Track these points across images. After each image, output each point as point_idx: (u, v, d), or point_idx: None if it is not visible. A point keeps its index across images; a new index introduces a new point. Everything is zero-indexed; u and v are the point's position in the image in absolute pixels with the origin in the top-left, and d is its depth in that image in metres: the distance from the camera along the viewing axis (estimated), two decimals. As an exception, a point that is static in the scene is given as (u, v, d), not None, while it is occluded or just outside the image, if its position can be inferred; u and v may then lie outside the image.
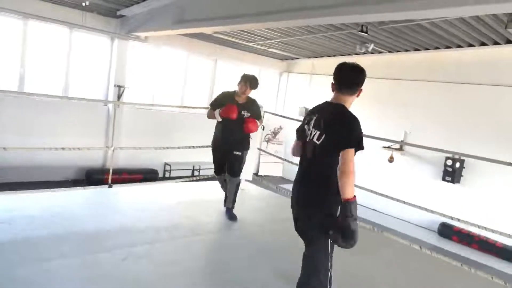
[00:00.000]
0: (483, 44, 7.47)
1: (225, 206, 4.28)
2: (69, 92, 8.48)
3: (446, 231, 8.68)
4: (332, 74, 2.34)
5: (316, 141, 2.19)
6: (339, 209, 2.04)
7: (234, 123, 3.98)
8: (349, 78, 2.29)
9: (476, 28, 6.57)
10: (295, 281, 2.33)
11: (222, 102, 4.08)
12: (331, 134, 2.15)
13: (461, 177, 8.62)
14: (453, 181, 8.63)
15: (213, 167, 4.30)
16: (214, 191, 4.84)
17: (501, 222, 6.41)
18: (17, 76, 7.84)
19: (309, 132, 2.26)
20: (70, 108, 8.40)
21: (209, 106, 4.23)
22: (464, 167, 8.60)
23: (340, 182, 2.01)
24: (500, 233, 4.03)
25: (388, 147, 9.41)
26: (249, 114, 4.06)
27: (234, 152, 4.07)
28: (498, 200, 7.91)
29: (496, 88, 8.02)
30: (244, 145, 4.19)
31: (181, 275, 2.91)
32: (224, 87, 11.67)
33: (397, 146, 9.35)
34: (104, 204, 4.33)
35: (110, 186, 4.48)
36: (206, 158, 10.05)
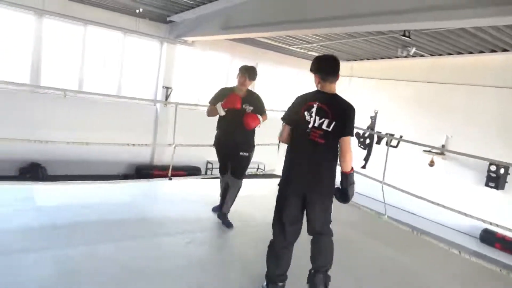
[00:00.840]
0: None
1: (220, 211, 3.91)
2: (121, 92, 9.14)
3: (489, 237, 8.52)
4: (318, 70, 2.70)
5: (327, 128, 2.56)
6: (340, 180, 2.63)
7: (238, 120, 3.66)
8: (332, 68, 2.68)
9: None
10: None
11: (219, 97, 3.80)
12: (341, 122, 2.56)
13: (506, 184, 8.44)
14: (496, 187, 8.45)
15: (219, 166, 4.00)
16: (260, 187, 5.15)
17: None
18: (76, 77, 8.57)
19: (312, 119, 2.59)
20: (123, 107, 9.04)
21: (208, 104, 3.91)
22: (509, 173, 8.42)
23: (345, 159, 2.57)
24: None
25: (429, 151, 9.36)
26: (251, 108, 3.73)
27: (241, 153, 3.77)
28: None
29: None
30: (251, 144, 3.88)
31: (237, 260, 3.27)
32: (263, 90, 12.02)
33: (438, 150, 9.28)
34: (166, 194, 4.78)
35: (170, 179, 4.92)
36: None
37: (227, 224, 3.84)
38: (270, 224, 2.72)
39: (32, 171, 8.12)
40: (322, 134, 2.56)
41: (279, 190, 2.69)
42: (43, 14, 7.79)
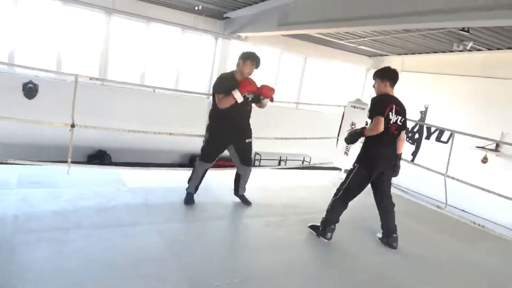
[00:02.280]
0: None
1: (240, 193, 4.16)
2: (178, 86, 9.66)
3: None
4: (390, 78, 3.56)
5: (400, 123, 3.52)
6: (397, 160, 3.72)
7: (241, 108, 3.74)
8: (397, 77, 3.62)
9: None
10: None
11: (228, 85, 3.70)
12: (405, 118, 3.58)
13: None
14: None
15: (209, 154, 3.87)
16: (318, 177, 5.42)
17: None
18: (138, 72, 9.16)
19: (393, 117, 3.45)
20: (179, 100, 9.55)
21: (219, 94, 3.70)
22: None
23: (401, 145, 3.71)
24: None
25: (482, 147, 9.21)
26: (251, 96, 3.81)
27: (247, 140, 3.89)
28: None
29: None
30: (251, 130, 4.01)
31: (307, 240, 3.61)
32: (312, 84, 12.12)
33: (492, 146, 9.12)
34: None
35: None
36: (291, 149, 10.81)
37: (247, 202, 4.17)
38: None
39: (99, 158, 8.83)
40: (396, 127, 3.50)
41: (365, 168, 3.50)
42: (112, 12, 8.38)
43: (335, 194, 3.62)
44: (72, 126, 4.11)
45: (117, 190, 4.04)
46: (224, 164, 7.20)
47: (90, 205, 3.57)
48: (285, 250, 3.31)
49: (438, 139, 10.52)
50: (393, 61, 11.79)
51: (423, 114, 10.87)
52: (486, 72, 9.37)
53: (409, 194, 5.80)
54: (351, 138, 3.62)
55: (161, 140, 9.19)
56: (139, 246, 2.96)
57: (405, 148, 10.93)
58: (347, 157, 5.69)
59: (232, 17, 9.08)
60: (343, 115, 5.82)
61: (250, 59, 3.82)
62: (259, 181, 5.34)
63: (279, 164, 11.45)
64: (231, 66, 10.03)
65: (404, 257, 3.52)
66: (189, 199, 3.95)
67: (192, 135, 5.39)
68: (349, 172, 3.63)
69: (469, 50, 8.90)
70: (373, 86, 3.67)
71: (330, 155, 12.15)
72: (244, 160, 3.96)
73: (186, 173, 5.28)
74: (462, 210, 8.80)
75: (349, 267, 3.19)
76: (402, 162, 3.91)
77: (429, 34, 8.33)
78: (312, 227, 3.76)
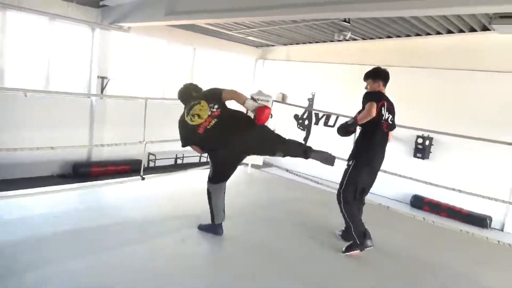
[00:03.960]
0: (449, 32, 8.24)
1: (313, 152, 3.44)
2: (50, 85, 8.28)
3: (418, 202, 9.59)
4: (383, 78, 3.52)
5: (390, 122, 3.47)
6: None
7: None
8: (388, 78, 3.57)
9: (447, 19, 7.26)
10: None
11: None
12: (394, 117, 3.56)
13: (430, 154, 9.51)
14: (423, 157, 9.52)
15: (217, 177, 3.35)
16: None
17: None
18: (-4, 70, 7.55)
19: (385, 114, 3.40)
20: (52, 100, 8.19)
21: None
22: (433, 144, 9.49)
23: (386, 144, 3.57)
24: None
25: (364, 129, 10.09)
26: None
27: (251, 137, 3.22)
28: (461, 172, 8.83)
29: (460, 72, 8.88)
30: (245, 125, 3.40)
31: (235, 251, 3.30)
32: (203, 75, 11.72)
33: (372, 127, 10.06)
34: (144, 195, 4.46)
35: (143, 179, 4.64)
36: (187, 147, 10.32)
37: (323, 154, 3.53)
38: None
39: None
40: (387, 125, 3.43)
41: (368, 165, 3.40)
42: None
43: (340, 201, 3.40)
44: None
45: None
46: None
47: None
48: (215, 270, 2.93)
49: (325, 124, 11.21)
50: (279, 51, 12.15)
51: (311, 101, 11.46)
52: (363, 59, 10.23)
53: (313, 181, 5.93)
54: (345, 130, 3.51)
55: (36, 151, 7.78)
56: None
57: (298, 134, 11.54)
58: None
59: (110, 5, 8.10)
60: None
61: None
62: (162, 188, 4.84)
63: (176, 162, 10.89)
64: (113, 60, 9.03)
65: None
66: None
67: (75, 146, 4.56)
68: (345, 171, 3.45)
69: (347, 40, 9.59)
70: (366, 88, 3.54)
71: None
72: (282, 148, 3.36)
73: (89, 190, 4.51)
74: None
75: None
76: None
77: (314, 25, 8.70)
78: (349, 249, 3.40)
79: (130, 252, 3.03)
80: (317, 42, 10.73)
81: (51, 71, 8.24)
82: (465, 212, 8.75)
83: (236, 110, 3.37)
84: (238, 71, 12.25)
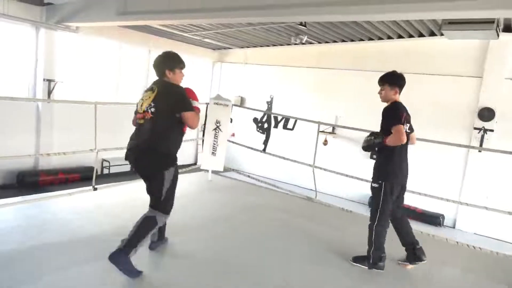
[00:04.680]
0: (400, 37, 8.56)
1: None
2: (-11, 89, 7.62)
3: (375, 202, 9.83)
4: (400, 85, 3.48)
5: (408, 131, 3.36)
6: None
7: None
8: (405, 83, 3.52)
9: (398, 25, 7.53)
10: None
11: None
12: (410, 120, 3.49)
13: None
14: (379, 158, 9.78)
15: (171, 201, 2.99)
16: (185, 181, 4.94)
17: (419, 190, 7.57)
18: None
19: (405, 127, 3.28)
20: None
21: (192, 112, 2.93)
22: (387, 145, 9.78)
23: None
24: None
25: (322, 131, 10.23)
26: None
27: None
28: (414, 172, 9.17)
29: (410, 76, 9.21)
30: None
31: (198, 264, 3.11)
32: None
33: (330, 130, 10.23)
34: (96, 207, 4.14)
35: (95, 189, 4.32)
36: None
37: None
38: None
39: None
40: (406, 135, 3.25)
41: (394, 182, 3.29)
42: None
43: (372, 219, 3.33)
44: None
45: None
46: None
47: None
48: None
49: (285, 126, 11.26)
50: (236, 54, 12.05)
51: (269, 104, 11.46)
52: (319, 63, 10.39)
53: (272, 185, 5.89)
54: (370, 147, 3.38)
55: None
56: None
57: (257, 138, 11.50)
58: (215, 158, 5.38)
59: (56, 3, 7.59)
60: (206, 113, 5.46)
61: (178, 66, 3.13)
62: (116, 198, 4.56)
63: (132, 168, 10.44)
64: (60, 62, 8.47)
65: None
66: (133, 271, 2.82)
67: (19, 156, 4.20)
68: (376, 192, 3.32)
69: (303, 44, 9.68)
70: (380, 92, 3.43)
71: (187, 154, 11.83)
72: (153, 200, 2.99)
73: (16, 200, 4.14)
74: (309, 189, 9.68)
75: None
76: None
77: (271, 28, 8.68)
78: (357, 260, 3.36)
79: (77, 272, 2.77)
80: (274, 45, 10.75)
81: (-10, 74, 7.59)
82: (419, 211, 9.09)
83: (168, 135, 2.91)
84: (195, 74, 11.98)
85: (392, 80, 3.40)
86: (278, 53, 10.99)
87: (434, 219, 8.75)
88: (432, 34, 8.09)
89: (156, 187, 2.84)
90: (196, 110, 2.97)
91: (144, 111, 2.86)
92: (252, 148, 7.29)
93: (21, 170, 8.22)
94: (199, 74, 12.19)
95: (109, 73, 9.82)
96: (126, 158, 2.95)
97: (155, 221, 2.83)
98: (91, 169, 9.32)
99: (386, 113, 3.33)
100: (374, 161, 3.46)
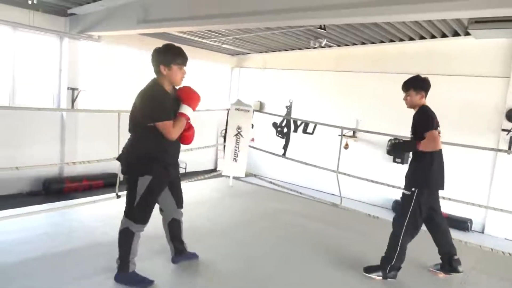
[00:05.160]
0: (422, 38, 8.36)
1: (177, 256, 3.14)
2: (16, 99, 7.84)
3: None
4: (426, 90, 3.34)
5: (439, 134, 3.22)
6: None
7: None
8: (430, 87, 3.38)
9: (420, 25, 7.36)
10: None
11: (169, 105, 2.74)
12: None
13: (409, 159, 9.55)
14: (402, 162, 9.57)
15: (147, 210, 2.73)
16: (205, 187, 4.93)
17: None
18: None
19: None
20: (19, 115, 7.74)
21: (168, 121, 2.63)
22: (411, 149, 9.55)
23: None
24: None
25: (343, 135, 10.07)
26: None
27: (178, 172, 3.02)
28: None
29: (434, 77, 8.98)
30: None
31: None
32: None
33: (351, 133, 10.08)
34: (119, 215, 4.14)
35: (118, 197, 4.37)
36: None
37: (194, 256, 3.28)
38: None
39: None
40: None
41: (430, 189, 3.19)
42: None
43: (399, 227, 3.16)
44: None
45: None
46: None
47: None
48: None
49: (304, 131, 11.17)
50: (254, 59, 12.06)
51: (289, 108, 11.39)
52: (338, 66, 10.27)
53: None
54: (400, 150, 3.28)
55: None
56: None
57: (277, 142, 11.44)
58: (236, 164, 5.36)
59: (79, 14, 7.77)
60: (227, 119, 5.45)
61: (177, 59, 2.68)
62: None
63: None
64: (84, 71, 8.65)
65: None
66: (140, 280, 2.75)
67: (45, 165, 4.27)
68: (407, 200, 3.16)
69: (322, 47, 9.59)
70: (405, 98, 3.33)
71: (207, 160, 11.85)
72: (179, 199, 3.00)
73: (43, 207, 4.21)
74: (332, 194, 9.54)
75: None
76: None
77: (289, 32, 8.64)
78: (370, 270, 3.23)
79: (100, 282, 2.78)
80: (292, 49, 10.70)
81: (17, 85, 7.80)
82: (445, 215, 8.80)
83: (140, 145, 2.71)
84: (213, 80, 12.05)
85: (417, 85, 3.30)
86: (297, 57, 10.93)
87: (461, 224, 8.45)
88: (455, 34, 7.87)
89: (129, 191, 2.68)
90: (181, 116, 2.66)
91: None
92: (272, 153, 7.24)
93: (47, 178, 8.41)
94: (218, 80, 12.25)
95: (130, 81, 9.96)
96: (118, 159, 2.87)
97: (131, 232, 2.67)
98: (114, 175, 9.44)
99: (417, 119, 3.24)
100: (407, 167, 3.31)
